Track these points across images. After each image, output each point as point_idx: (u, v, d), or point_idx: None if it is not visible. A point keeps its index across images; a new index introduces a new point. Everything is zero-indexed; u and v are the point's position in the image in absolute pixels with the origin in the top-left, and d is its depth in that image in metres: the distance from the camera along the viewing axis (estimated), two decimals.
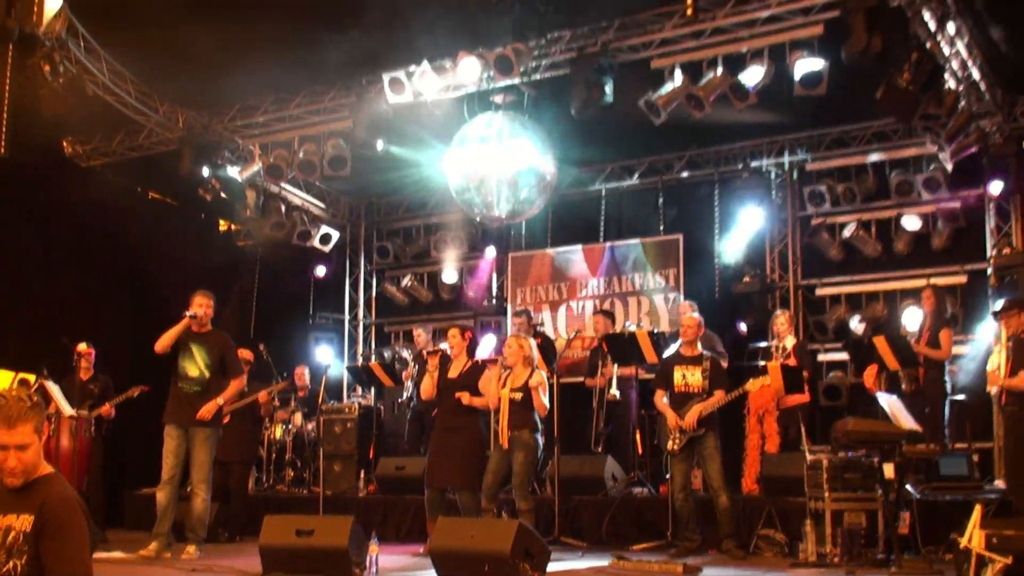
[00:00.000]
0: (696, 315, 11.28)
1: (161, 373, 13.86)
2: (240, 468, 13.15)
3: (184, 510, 11.13)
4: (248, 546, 10.87)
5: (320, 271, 18.58)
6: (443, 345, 12.66)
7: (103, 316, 15.44)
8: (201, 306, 11.07)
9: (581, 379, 14.04)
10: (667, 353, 11.95)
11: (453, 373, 11.15)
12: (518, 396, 10.72)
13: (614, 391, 13.01)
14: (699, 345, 10.99)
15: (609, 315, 14.63)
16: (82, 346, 12.90)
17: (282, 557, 8.78)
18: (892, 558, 8.94)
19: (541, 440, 10.90)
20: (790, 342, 12.69)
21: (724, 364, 11.77)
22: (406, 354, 16.44)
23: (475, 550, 7.89)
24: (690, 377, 10.73)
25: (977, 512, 7.69)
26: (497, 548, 7.75)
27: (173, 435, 10.92)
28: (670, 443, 10.67)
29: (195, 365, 10.99)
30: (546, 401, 10.79)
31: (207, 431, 10.86)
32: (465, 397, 10.82)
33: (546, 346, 13.09)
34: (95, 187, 15.76)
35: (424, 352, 12.80)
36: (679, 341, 11.48)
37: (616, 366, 13.10)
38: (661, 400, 10.87)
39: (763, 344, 13.83)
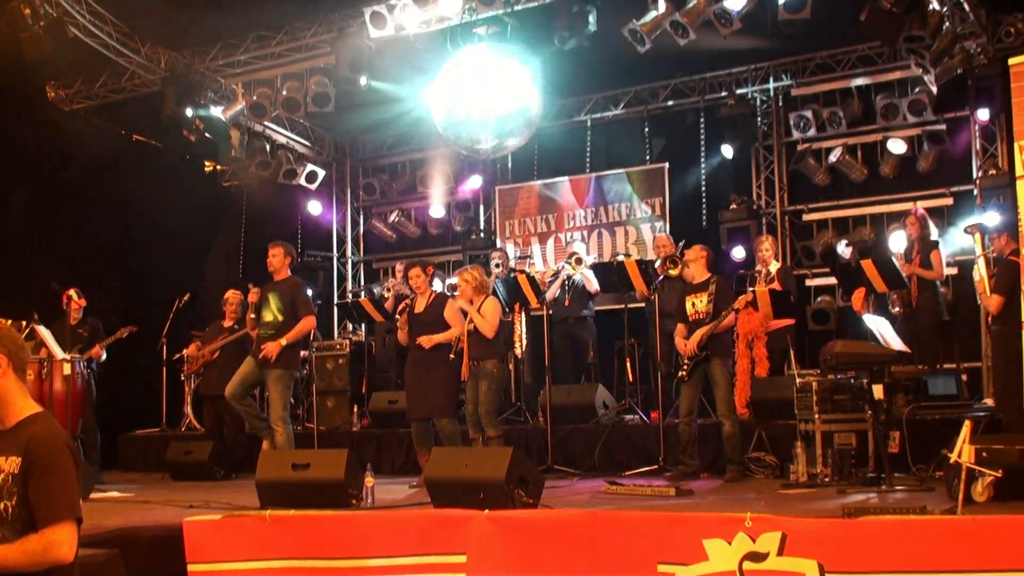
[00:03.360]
0: (696, 245, 11.26)
1: (150, 315, 13.95)
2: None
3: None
4: (244, 482, 10.96)
5: (315, 208, 18.51)
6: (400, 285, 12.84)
7: (91, 260, 15.45)
8: (274, 256, 11.54)
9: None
10: (654, 283, 12.05)
11: (419, 308, 11.22)
12: (472, 327, 10.80)
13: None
14: (706, 269, 11.00)
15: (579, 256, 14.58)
16: (72, 292, 12.90)
17: (279, 491, 8.82)
18: (883, 476, 9.00)
19: (508, 368, 11.02)
20: (774, 267, 12.74)
21: None
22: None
23: (470, 478, 7.94)
24: (699, 304, 10.77)
25: (966, 428, 7.76)
26: (492, 476, 7.79)
27: (250, 362, 11.37)
28: (680, 370, 10.73)
29: (270, 311, 11.33)
30: (488, 323, 10.82)
31: (278, 371, 11.09)
32: (425, 341, 10.89)
33: (530, 281, 13.06)
34: (79, 130, 15.70)
35: (389, 303, 12.97)
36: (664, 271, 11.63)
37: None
38: (680, 332, 10.90)
39: (750, 270, 13.87)
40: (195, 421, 14.66)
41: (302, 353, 12.21)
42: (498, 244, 17.02)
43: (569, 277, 13.48)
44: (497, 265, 14.27)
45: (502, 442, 10.77)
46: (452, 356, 10.73)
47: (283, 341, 11.08)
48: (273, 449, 10.95)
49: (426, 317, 11.06)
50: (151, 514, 8.81)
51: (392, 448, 13.01)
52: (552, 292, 13.53)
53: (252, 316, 11.95)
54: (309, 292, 16.63)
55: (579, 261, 13.22)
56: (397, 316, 11.62)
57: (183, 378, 14.82)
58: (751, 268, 13.45)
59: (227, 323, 13.41)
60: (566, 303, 13.59)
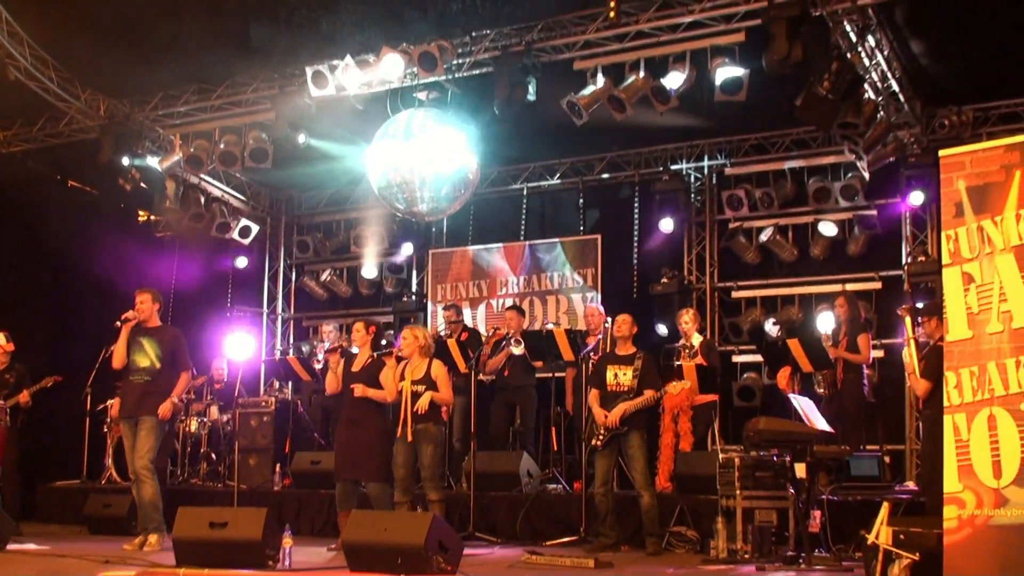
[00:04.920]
0: (626, 315, 11.28)
1: (78, 363, 13.78)
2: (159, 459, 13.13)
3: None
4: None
5: (241, 262, 18.42)
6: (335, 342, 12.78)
7: (20, 305, 15.28)
8: (142, 302, 11.13)
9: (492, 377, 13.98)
10: (582, 352, 12.06)
11: (356, 367, 11.10)
12: (421, 388, 10.73)
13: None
14: (632, 343, 11.03)
15: (520, 310, 14.65)
16: (0, 336, 12.77)
17: (196, 549, 8.73)
18: (802, 555, 9.06)
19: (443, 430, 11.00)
20: (696, 340, 12.78)
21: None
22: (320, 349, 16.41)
23: (388, 543, 7.91)
24: (621, 376, 10.71)
25: (885, 509, 7.82)
26: (410, 541, 7.77)
27: (127, 432, 10.95)
28: (595, 440, 10.69)
29: (146, 356, 10.98)
30: (449, 393, 10.85)
31: (153, 419, 10.79)
32: (359, 389, 10.75)
33: (474, 340, 13.09)
34: (14, 173, 15.59)
35: (322, 348, 12.78)
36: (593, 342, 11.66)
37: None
38: (594, 398, 10.84)
39: (674, 344, 13.95)
40: (116, 474, 14.45)
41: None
42: (429, 306, 17.01)
43: (511, 355, 13.42)
44: (454, 322, 14.22)
45: (444, 506, 10.75)
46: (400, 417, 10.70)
47: (174, 399, 10.96)
48: (140, 506, 10.80)
49: (361, 377, 10.95)
50: (66, 568, 8.71)
51: (313, 509, 12.88)
52: (495, 363, 13.50)
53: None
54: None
55: (518, 343, 13.19)
56: (326, 356, 11.52)
57: (106, 430, 14.64)
58: (675, 342, 13.53)
59: None
60: (506, 373, 13.56)
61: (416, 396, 10.69)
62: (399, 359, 11.15)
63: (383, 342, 12.86)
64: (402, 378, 10.83)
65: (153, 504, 10.73)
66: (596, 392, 10.84)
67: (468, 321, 16.66)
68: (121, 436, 11.22)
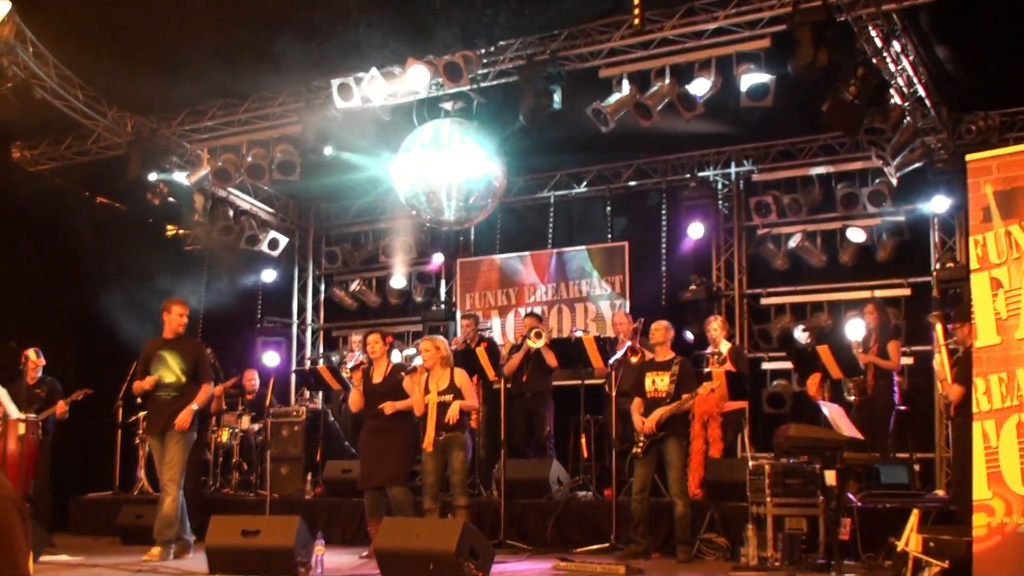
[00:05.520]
0: (662, 321, 11.30)
1: (107, 377, 13.86)
2: (193, 468, 13.19)
3: (152, 512, 11.18)
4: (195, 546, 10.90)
5: (269, 276, 18.52)
6: (360, 355, 12.80)
7: (51, 320, 15.39)
8: (180, 315, 11.33)
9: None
10: (612, 359, 12.08)
11: (377, 378, 11.17)
12: (449, 398, 10.79)
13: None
14: (669, 349, 11.04)
15: (537, 316, 14.70)
16: (31, 353, 12.88)
17: (229, 557, 8.80)
18: (832, 563, 9.04)
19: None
20: (725, 347, 12.80)
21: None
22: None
23: (420, 550, 7.95)
24: (659, 382, 10.75)
25: (914, 516, 7.82)
26: (442, 548, 7.81)
27: (155, 447, 11.13)
28: (635, 447, 10.73)
29: (171, 371, 11.10)
30: (475, 399, 10.90)
31: (182, 433, 10.90)
32: (388, 407, 10.83)
33: (492, 351, 13.15)
34: (42, 191, 15.69)
35: (347, 369, 12.82)
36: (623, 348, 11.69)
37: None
38: (636, 407, 10.88)
39: (703, 351, 13.94)
40: (148, 485, 14.54)
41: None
42: (458, 315, 17.03)
43: (529, 350, 13.46)
44: (473, 332, 14.28)
45: (472, 512, 10.80)
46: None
47: (194, 407, 11.00)
48: (157, 517, 10.85)
49: (385, 388, 11.01)
50: None
51: (344, 517, 12.93)
52: (512, 364, 13.57)
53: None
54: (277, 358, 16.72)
55: (539, 335, 13.22)
56: (350, 374, 11.57)
57: (137, 441, 14.73)
58: (703, 348, 13.52)
59: None
60: (524, 378, 13.61)
61: (443, 406, 10.75)
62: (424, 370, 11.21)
63: (399, 353, 12.89)
64: (426, 391, 10.88)
65: (167, 519, 10.79)
66: (639, 400, 10.88)
67: (497, 330, 16.71)
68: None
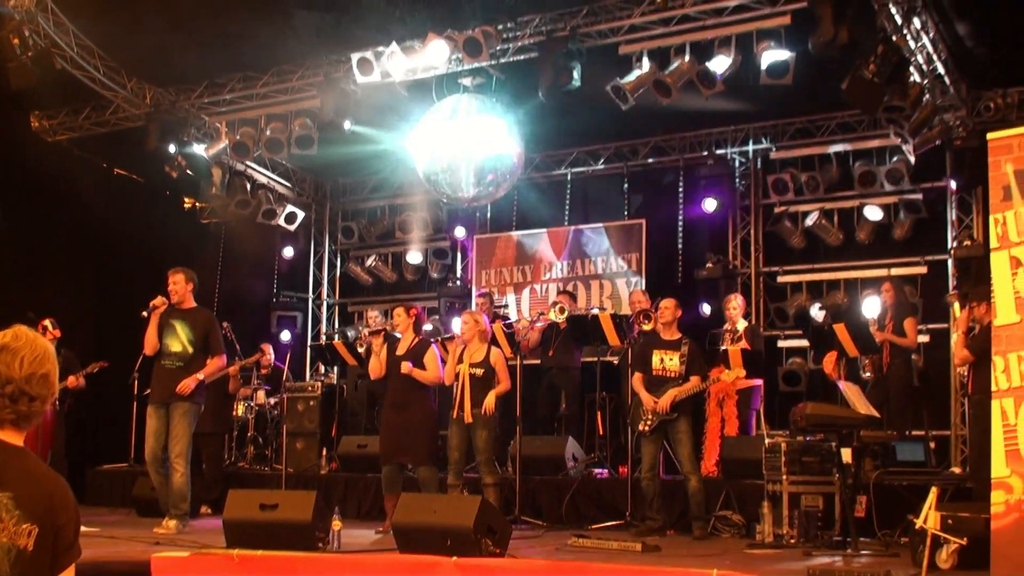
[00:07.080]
0: (671, 299, 11.26)
1: (123, 349, 13.90)
2: (213, 440, 13.26)
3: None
4: (209, 520, 10.92)
5: (288, 252, 18.56)
6: (382, 318, 12.79)
7: (67, 291, 15.45)
8: (175, 283, 11.09)
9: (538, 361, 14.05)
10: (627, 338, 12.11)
11: (400, 350, 11.15)
12: (479, 372, 10.85)
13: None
14: (677, 328, 11.04)
15: (571, 295, 14.75)
16: (47, 323, 12.90)
17: (246, 531, 8.81)
18: (848, 540, 9.06)
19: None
20: (742, 325, 12.83)
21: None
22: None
23: (437, 525, 7.95)
24: (668, 361, 10.73)
25: (933, 494, 7.82)
26: (460, 523, 7.81)
27: (153, 415, 10.90)
28: (641, 424, 10.70)
29: (178, 341, 10.95)
30: (508, 380, 10.94)
31: (186, 405, 10.78)
32: (405, 366, 10.81)
33: (505, 333, 13.16)
34: (61, 162, 15.72)
35: (366, 333, 12.76)
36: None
37: None
38: (639, 382, 10.85)
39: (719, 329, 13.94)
40: (134, 456, 14.55)
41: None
42: (473, 292, 17.04)
43: (552, 324, 13.46)
44: (486, 309, 14.29)
45: (499, 490, 10.86)
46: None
47: (200, 376, 10.86)
48: (169, 492, 10.78)
49: (407, 359, 11.00)
50: (117, 549, 8.79)
51: (359, 492, 12.98)
52: (533, 339, 13.59)
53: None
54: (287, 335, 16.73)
55: (562, 310, 13.22)
56: (371, 337, 11.54)
57: None
58: (719, 326, 13.52)
59: None
60: (550, 353, 13.62)
61: (474, 379, 10.86)
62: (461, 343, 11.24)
63: (427, 327, 12.89)
64: (459, 361, 10.92)
65: (181, 493, 10.74)
66: (640, 375, 10.86)
67: (512, 306, 16.71)
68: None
